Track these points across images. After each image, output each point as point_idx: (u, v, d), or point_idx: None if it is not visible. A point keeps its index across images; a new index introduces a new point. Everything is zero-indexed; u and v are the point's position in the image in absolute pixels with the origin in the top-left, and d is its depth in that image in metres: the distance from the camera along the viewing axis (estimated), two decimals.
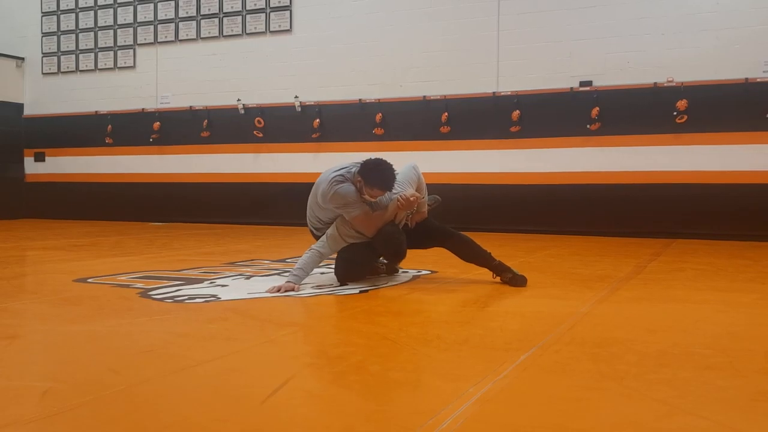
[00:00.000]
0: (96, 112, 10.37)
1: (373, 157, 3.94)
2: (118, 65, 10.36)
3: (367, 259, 4.11)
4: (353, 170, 3.94)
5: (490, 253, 4.06)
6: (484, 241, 4.34)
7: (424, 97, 8.37)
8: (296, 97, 9.01)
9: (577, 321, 2.97)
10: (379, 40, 8.65)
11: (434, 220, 4.26)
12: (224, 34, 9.60)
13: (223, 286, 3.93)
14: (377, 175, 3.82)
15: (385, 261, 4.34)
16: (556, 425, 1.71)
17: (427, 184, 4.23)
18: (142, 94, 10.11)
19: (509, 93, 7.97)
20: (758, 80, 7.00)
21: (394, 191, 3.91)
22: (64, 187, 10.64)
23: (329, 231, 3.95)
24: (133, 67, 10.25)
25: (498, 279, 4.01)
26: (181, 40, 9.91)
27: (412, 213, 4.11)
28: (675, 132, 7.29)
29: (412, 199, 3.86)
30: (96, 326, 2.88)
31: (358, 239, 3.96)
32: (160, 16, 10.03)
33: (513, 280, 3.93)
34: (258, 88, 9.33)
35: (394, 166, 3.90)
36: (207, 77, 9.65)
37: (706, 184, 7.20)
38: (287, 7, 9.20)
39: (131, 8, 10.24)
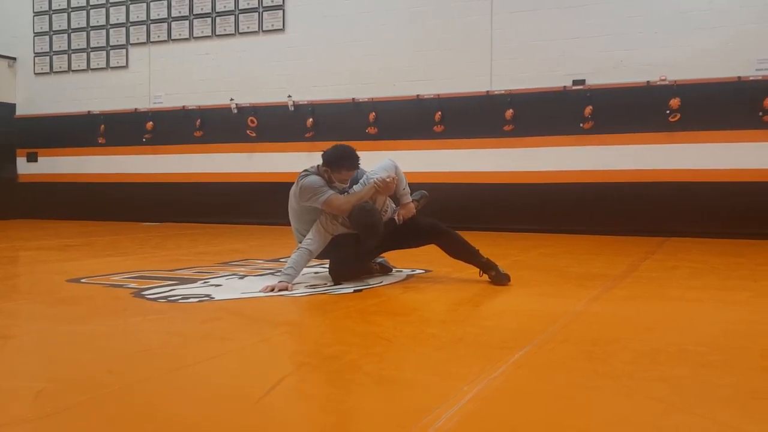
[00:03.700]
0: (89, 111, 10.33)
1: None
2: (111, 65, 10.31)
3: (360, 259, 4.12)
4: (317, 165, 4.03)
5: (478, 250, 4.07)
6: (478, 239, 4.34)
7: (418, 96, 8.37)
8: (289, 96, 9.00)
9: (571, 319, 2.98)
10: (372, 39, 8.64)
11: (423, 217, 4.25)
12: (217, 33, 9.57)
13: (216, 285, 3.92)
14: (339, 154, 3.94)
15: (378, 260, 4.35)
16: (552, 423, 1.71)
17: (420, 183, 4.23)
18: (135, 94, 10.06)
19: (502, 92, 7.97)
20: (751, 78, 7.01)
21: (372, 176, 3.95)
22: (57, 188, 10.58)
23: (314, 227, 3.94)
24: (126, 66, 10.21)
25: (485, 276, 4.01)
26: (173, 40, 9.88)
27: (396, 210, 4.12)
28: (668, 130, 7.30)
29: (388, 180, 3.94)
30: (90, 326, 2.87)
31: (343, 230, 3.96)
32: (153, 15, 9.99)
33: (495, 277, 3.94)
34: (251, 87, 9.31)
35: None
36: (200, 77, 9.62)
37: (699, 183, 7.21)
38: (280, 7, 9.18)
39: (123, 8, 10.18)
